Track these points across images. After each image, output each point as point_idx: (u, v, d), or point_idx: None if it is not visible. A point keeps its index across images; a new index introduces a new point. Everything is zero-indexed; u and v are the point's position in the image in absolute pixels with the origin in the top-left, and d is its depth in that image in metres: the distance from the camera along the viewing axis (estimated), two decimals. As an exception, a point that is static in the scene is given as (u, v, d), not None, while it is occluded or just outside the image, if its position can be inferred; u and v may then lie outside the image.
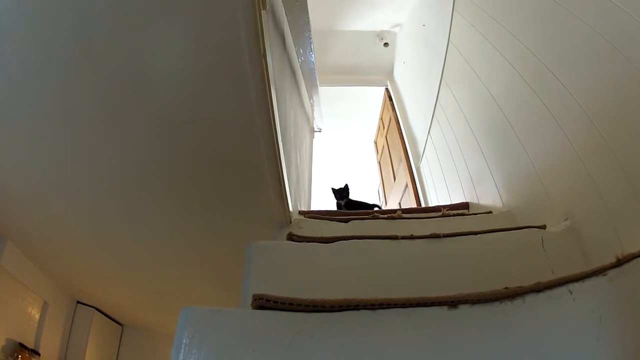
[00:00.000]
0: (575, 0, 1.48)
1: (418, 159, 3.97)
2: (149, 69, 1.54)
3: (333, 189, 3.39)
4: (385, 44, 4.95)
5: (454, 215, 2.24)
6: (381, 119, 5.42)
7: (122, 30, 1.38)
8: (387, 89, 5.22)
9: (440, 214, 2.33)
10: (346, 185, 3.39)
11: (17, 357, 2.64)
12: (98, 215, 2.42)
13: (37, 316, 3.03)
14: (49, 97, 1.62)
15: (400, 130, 4.52)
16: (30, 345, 2.85)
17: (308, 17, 3.04)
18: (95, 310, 3.71)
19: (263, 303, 0.91)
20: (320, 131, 5.30)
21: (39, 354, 2.91)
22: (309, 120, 4.69)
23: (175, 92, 1.63)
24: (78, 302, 3.63)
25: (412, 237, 1.49)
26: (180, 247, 2.77)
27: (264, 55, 1.41)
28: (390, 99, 5.03)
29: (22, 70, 1.51)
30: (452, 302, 0.87)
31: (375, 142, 5.88)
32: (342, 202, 3.35)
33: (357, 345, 0.84)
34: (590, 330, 0.84)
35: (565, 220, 1.52)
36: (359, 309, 0.88)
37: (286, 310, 0.90)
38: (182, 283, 3.36)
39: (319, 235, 1.61)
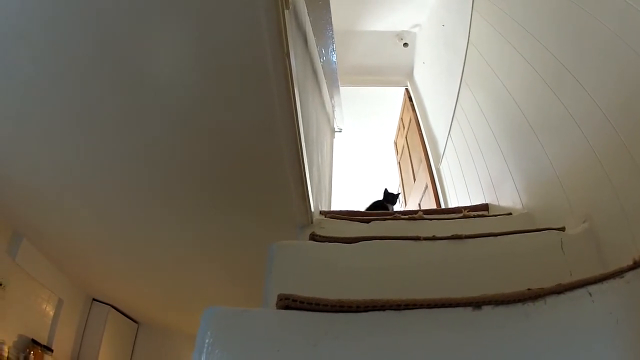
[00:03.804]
0: (596, 2, 1.48)
1: (438, 160, 3.96)
2: (167, 70, 1.55)
3: (386, 190, 3.37)
4: (405, 44, 4.93)
5: (474, 216, 2.24)
6: (401, 119, 5.41)
7: (139, 30, 1.39)
8: (407, 90, 5.20)
9: (461, 215, 2.33)
10: (399, 194, 3.40)
11: (29, 353, 2.70)
12: (114, 214, 2.45)
13: (52, 313, 3.10)
14: (64, 97, 1.65)
15: (421, 131, 4.51)
16: (44, 342, 2.92)
17: (330, 17, 2.99)
18: (111, 308, 3.78)
19: (289, 303, 0.90)
20: (341, 131, 5.30)
21: (51, 351, 2.97)
22: (329, 121, 4.69)
23: (195, 93, 1.64)
24: (94, 299, 3.70)
25: (434, 238, 1.49)
26: (199, 247, 2.79)
27: (287, 54, 1.41)
28: (410, 100, 5.01)
29: (36, 70, 1.53)
30: (477, 303, 0.88)
31: (395, 143, 5.85)
32: (391, 207, 3.32)
33: (382, 346, 0.84)
34: (607, 332, 0.84)
35: (584, 222, 1.51)
36: (384, 310, 0.87)
37: (312, 310, 0.89)
38: (199, 282, 3.39)
39: (341, 235, 1.61)
